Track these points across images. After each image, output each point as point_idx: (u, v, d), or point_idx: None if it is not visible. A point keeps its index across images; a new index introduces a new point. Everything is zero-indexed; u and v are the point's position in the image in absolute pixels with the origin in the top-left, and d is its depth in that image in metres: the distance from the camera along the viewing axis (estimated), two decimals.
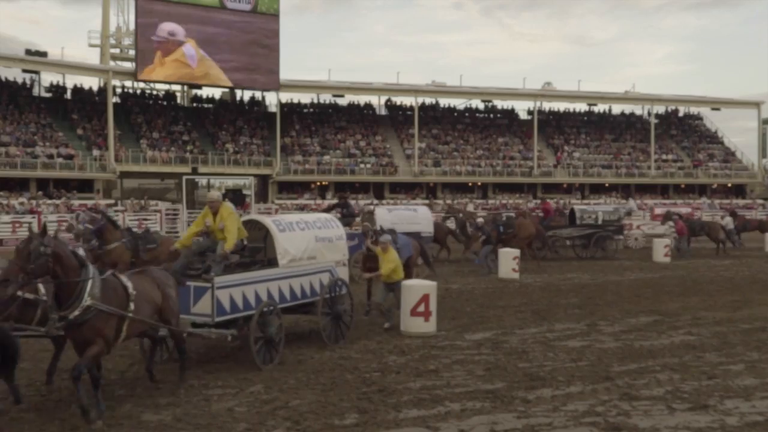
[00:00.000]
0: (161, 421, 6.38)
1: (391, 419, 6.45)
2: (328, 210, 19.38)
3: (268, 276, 8.71)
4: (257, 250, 9.46)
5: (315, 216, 10.28)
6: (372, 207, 18.49)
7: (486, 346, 9.50)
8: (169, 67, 37.83)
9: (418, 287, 10.29)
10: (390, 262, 10.80)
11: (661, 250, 21.72)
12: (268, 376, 7.88)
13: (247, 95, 44.84)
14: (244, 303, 8.29)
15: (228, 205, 8.80)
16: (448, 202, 36.34)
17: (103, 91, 40.14)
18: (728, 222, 25.11)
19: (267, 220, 9.24)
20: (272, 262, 9.06)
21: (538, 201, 40.23)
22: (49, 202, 31.15)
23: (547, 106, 49.55)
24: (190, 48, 37.86)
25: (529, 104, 47.35)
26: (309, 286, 9.33)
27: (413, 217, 17.44)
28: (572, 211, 23.97)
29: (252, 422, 6.36)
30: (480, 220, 19.17)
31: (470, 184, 43.25)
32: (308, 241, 9.29)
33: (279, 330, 8.42)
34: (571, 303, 13.29)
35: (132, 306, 6.65)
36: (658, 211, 28.70)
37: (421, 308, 10.13)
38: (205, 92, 44.20)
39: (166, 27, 37.39)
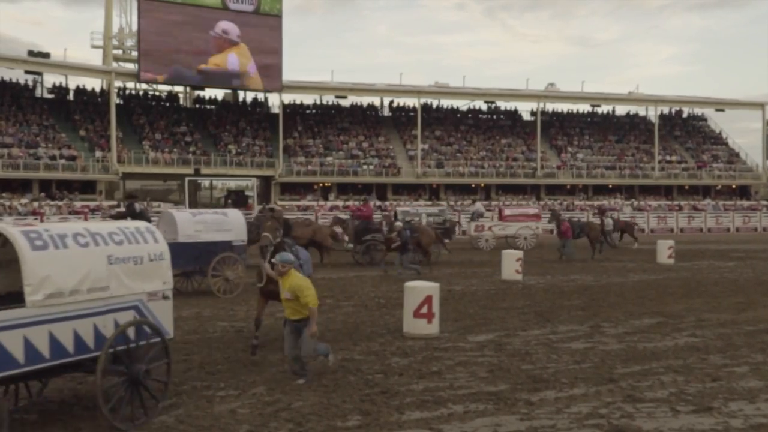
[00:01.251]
0: (163, 423, 6.39)
1: (394, 421, 6.45)
2: (117, 217, 15.92)
3: (3, 322, 5.55)
4: None
5: (114, 225, 6.99)
6: (271, 213, 15.67)
7: (489, 347, 9.49)
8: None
9: (421, 289, 10.27)
10: (308, 288, 7.63)
11: (664, 252, 21.68)
12: (270, 378, 7.89)
13: (249, 96, 44.98)
14: None
15: None
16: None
17: (105, 92, 40.29)
18: (609, 223, 25.01)
19: (13, 232, 5.99)
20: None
21: (541, 202, 40.27)
22: (52, 203, 31.27)
23: (551, 107, 49.63)
24: (234, 58, 38.00)
25: (532, 105, 47.44)
26: (93, 333, 6.23)
27: (222, 222, 14.57)
28: (396, 213, 23.17)
29: (254, 424, 6.36)
30: (398, 224, 17.93)
31: (473, 185, 43.30)
32: (93, 263, 6.27)
33: None
34: (574, 305, 13.27)
35: None
36: (507, 212, 28.69)
37: (424, 310, 10.11)
38: (208, 93, 44.35)
39: (222, 25, 37.73)
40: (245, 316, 11.53)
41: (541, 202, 41.19)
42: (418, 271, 17.01)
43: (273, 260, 7.71)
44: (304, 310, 7.60)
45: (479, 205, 32.84)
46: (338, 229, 21.83)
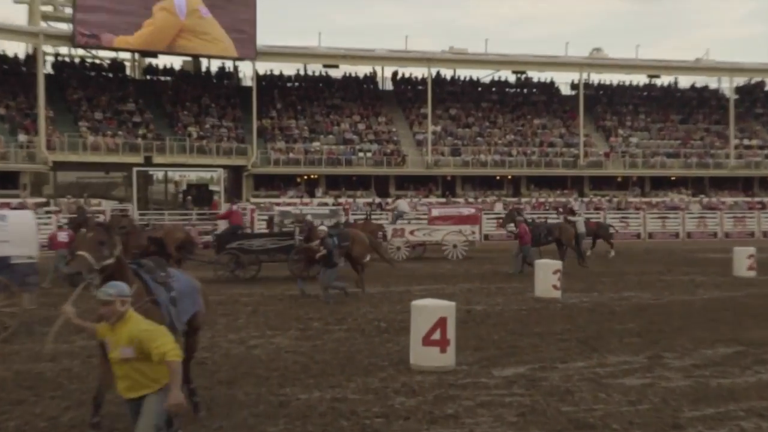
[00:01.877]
0: None
1: None
2: None
3: None
4: None
5: None
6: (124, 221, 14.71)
7: (519, 384, 9.49)
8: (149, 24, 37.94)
9: (433, 309, 10.25)
10: (161, 334, 5.61)
11: (743, 262, 21.67)
12: (241, 422, 7.83)
13: (214, 65, 45.07)
14: None
15: None
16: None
17: (32, 59, 40.35)
18: (580, 223, 24.99)
19: None
20: None
21: (584, 198, 40.31)
22: None
23: (597, 78, 49.86)
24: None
25: (573, 76, 47.57)
26: None
27: None
28: (274, 214, 23.16)
29: None
30: (322, 228, 17.18)
31: (498, 177, 43.45)
32: None
33: None
34: (627, 329, 13.29)
35: None
36: (436, 212, 28.59)
37: (437, 336, 10.10)
38: (162, 61, 44.44)
39: None
40: (209, 344, 11.49)
41: (586, 199, 41.26)
42: (344, 289, 16.61)
43: (98, 295, 5.76)
44: (155, 372, 5.58)
45: (403, 203, 32.66)
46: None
